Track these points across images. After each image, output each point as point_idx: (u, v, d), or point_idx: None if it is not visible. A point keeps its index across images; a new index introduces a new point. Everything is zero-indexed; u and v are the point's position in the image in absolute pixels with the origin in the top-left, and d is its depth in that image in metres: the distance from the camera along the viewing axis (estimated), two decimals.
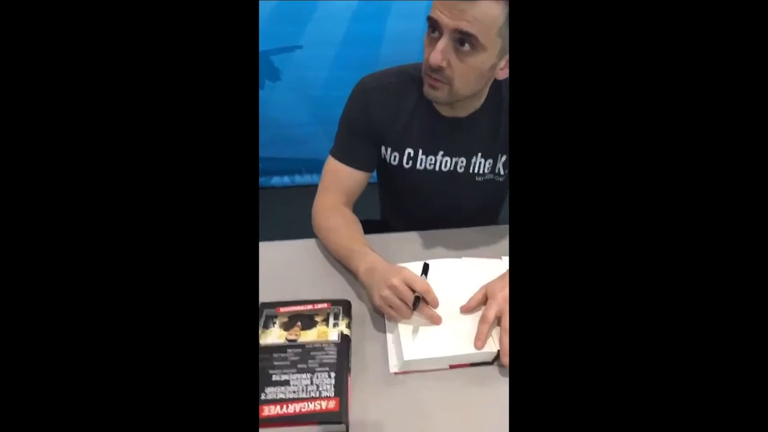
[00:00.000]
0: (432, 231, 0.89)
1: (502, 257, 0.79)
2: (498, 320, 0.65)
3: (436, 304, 0.65)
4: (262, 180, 2.07)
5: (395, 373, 0.62)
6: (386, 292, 0.65)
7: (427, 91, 0.75)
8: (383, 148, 0.87)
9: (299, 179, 2.07)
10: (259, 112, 1.88)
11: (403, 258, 0.77)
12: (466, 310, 0.69)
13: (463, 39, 0.67)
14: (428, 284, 0.65)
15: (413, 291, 0.64)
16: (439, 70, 0.70)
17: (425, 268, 0.72)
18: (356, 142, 0.85)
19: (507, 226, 0.92)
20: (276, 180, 2.07)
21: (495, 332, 0.65)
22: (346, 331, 0.65)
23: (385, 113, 0.84)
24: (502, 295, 0.67)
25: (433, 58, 0.69)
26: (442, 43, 0.68)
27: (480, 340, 0.64)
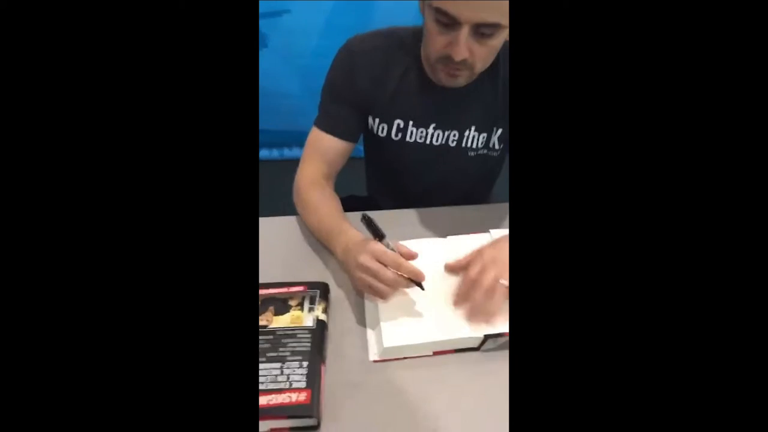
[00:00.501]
0: (421, 209, 0.84)
1: (491, 231, 0.74)
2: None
3: (412, 257, 0.61)
4: None
5: (375, 361, 0.58)
6: (359, 274, 0.60)
7: (446, 80, 0.71)
8: (370, 118, 0.82)
9: (288, 153, 2.00)
10: None
11: (396, 236, 0.72)
12: (451, 269, 0.66)
13: (485, 29, 0.61)
14: (397, 255, 0.58)
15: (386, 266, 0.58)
16: (462, 61, 0.65)
17: (369, 225, 0.61)
18: (340, 109, 0.79)
19: (500, 205, 0.88)
20: (264, 153, 2.00)
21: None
22: (323, 317, 0.60)
23: (372, 79, 0.77)
24: (491, 253, 0.62)
25: (459, 54, 0.63)
26: (464, 37, 0.62)
27: (458, 298, 0.62)
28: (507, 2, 0.58)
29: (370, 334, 0.61)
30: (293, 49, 1.77)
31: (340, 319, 0.63)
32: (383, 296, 0.59)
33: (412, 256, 0.60)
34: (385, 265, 0.58)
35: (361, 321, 0.63)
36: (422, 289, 0.59)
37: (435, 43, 0.66)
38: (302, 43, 1.75)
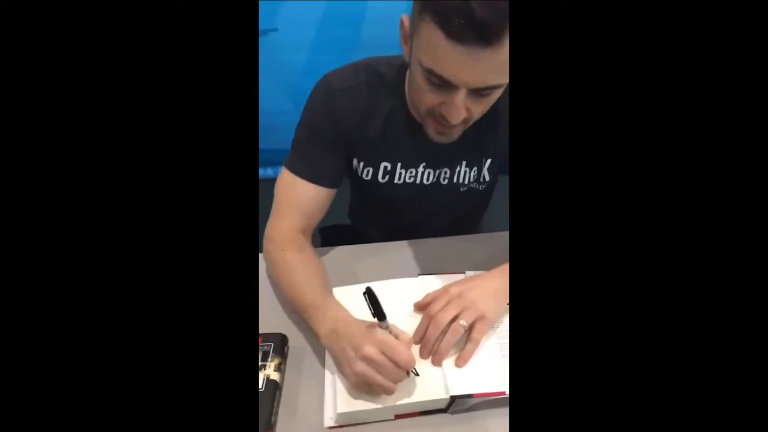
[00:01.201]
0: (409, 241, 0.79)
1: (466, 272, 0.68)
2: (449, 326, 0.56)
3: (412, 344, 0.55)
4: None
5: (330, 428, 0.52)
6: (361, 368, 0.50)
7: (436, 136, 0.63)
8: (354, 160, 0.74)
9: (280, 171, 1.96)
10: None
11: (377, 272, 0.69)
12: (419, 307, 0.62)
13: (484, 90, 0.54)
14: (404, 348, 0.50)
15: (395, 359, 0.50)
16: None
17: (372, 302, 0.53)
18: (320, 153, 0.69)
19: (490, 234, 0.82)
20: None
21: (450, 373, 0.54)
22: (275, 375, 0.55)
23: (355, 119, 0.69)
24: (456, 290, 0.58)
25: (455, 117, 0.56)
26: (460, 99, 0.54)
27: (417, 335, 0.57)
28: (506, 60, 0.50)
29: (328, 394, 0.55)
30: (283, 67, 1.74)
31: (296, 376, 0.58)
32: (388, 392, 0.51)
33: (411, 343, 0.53)
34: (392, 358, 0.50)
35: (321, 377, 0.57)
36: (417, 375, 0.54)
37: (426, 99, 0.58)
38: (292, 60, 1.72)
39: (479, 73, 0.51)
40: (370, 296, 0.52)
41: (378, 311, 0.52)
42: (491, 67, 0.50)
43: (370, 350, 0.50)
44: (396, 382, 0.51)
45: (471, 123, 0.61)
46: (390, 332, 0.52)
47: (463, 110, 0.56)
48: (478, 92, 0.54)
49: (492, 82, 0.53)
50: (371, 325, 0.53)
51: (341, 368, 0.54)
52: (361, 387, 0.52)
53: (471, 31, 0.47)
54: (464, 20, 0.47)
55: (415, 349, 0.57)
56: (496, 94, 0.57)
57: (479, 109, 0.58)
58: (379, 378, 0.50)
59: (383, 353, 0.50)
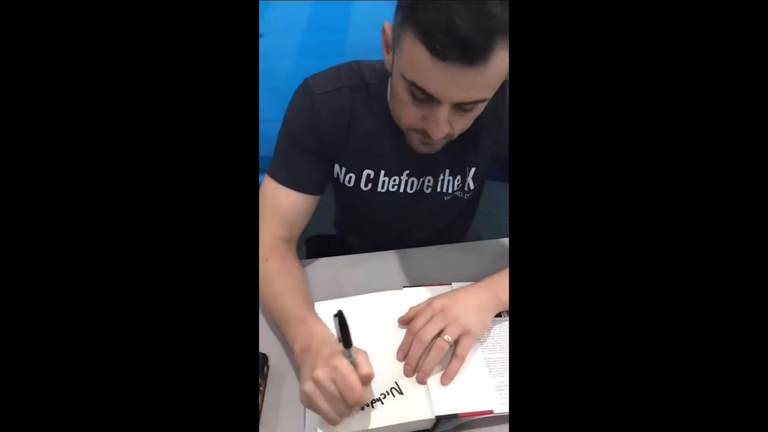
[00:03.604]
0: (395, 251, 0.77)
1: (453, 284, 0.66)
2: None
3: (369, 379, 0.50)
4: None
5: None
6: (309, 388, 0.48)
7: (420, 147, 0.62)
8: (336, 166, 0.72)
9: None
10: None
11: (362, 284, 0.68)
12: (403, 322, 0.60)
13: (467, 105, 0.53)
14: (357, 383, 0.47)
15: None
16: None
17: (342, 328, 0.48)
18: (301, 159, 0.68)
19: (477, 243, 0.81)
20: None
21: (435, 392, 0.52)
22: None
23: (336, 124, 0.67)
24: (440, 304, 0.56)
25: (438, 133, 0.55)
26: (443, 115, 0.53)
27: (401, 352, 0.56)
28: (497, 75, 0.49)
29: (309, 417, 0.53)
30: (268, 73, 1.71)
31: (277, 396, 0.56)
32: (331, 422, 0.48)
33: (368, 378, 0.49)
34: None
35: None
36: (362, 408, 0.51)
37: (408, 114, 0.56)
38: (278, 66, 1.70)
39: (464, 90, 0.50)
40: (341, 321, 0.48)
41: (345, 337, 0.48)
42: (477, 84, 0.49)
43: (321, 374, 0.47)
44: (340, 414, 0.48)
45: (454, 136, 0.60)
46: (352, 362, 0.48)
47: (446, 126, 0.55)
48: (461, 107, 0.53)
49: (477, 97, 0.52)
50: (337, 354, 0.49)
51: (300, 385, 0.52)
52: (310, 408, 0.49)
53: (455, 50, 0.46)
54: (447, 37, 0.45)
55: (385, 370, 0.54)
56: (480, 108, 0.56)
57: (462, 122, 0.57)
58: (323, 405, 0.47)
59: (334, 381, 0.47)
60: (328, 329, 0.55)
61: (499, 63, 0.47)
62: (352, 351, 0.48)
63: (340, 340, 0.48)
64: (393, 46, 0.54)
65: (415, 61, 0.49)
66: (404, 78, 0.52)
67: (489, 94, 0.52)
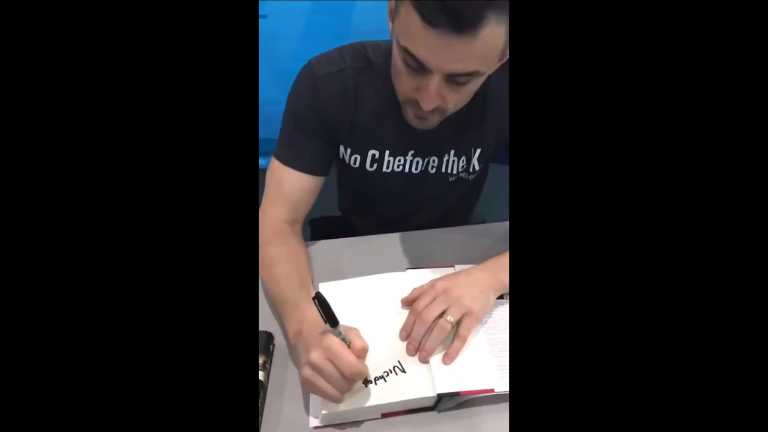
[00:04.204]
0: (399, 233, 0.77)
1: (456, 266, 0.67)
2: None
3: (365, 353, 0.51)
4: None
5: (315, 428, 0.51)
6: (307, 374, 0.49)
7: (415, 122, 0.62)
8: (341, 147, 0.72)
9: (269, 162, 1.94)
10: None
11: (365, 265, 0.68)
12: (406, 302, 0.60)
13: (460, 77, 0.53)
14: (351, 357, 0.48)
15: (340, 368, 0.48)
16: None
17: (323, 308, 0.48)
18: (305, 140, 0.69)
19: (481, 226, 0.81)
20: None
21: (437, 370, 0.53)
22: (260, 375, 0.54)
23: (340, 106, 0.67)
24: (443, 285, 0.57)
25: (427, 104, 0.55)
26: (434, 85, 0.53)
27: (404, 332, 0.56)
28: (488, 48, 0.49)
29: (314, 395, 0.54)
30: (272, 54, 1.70)
31: (282, 374, 0.57)
32: (335, 401, 0.50)
33: (364, 352, 0.50)
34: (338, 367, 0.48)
35: None
36: (365, 385, 0.52)
37: (403, 83, 0.57)
38: (281, 48, 1.69)
39: (453, 60, 0.50)
40: (320, 301, 0.48)
41: (329, 316, 0.48)
42: (466, 54, 0.49)
43: (316, 356, 0.48)
44: (343, 392, 0.49)
45: (449, 113, 0.60)
46: (344, 339, 0.49)
47: (436, 97, 0.55)
48: (453, 79, 0.53)
49: (467, 69, 0.52)
50: (327, 333, 0.49)
51: (299, 370, 0.53)
52: (312, 392, 0.51)
53: (444, 16, 0.46)
54: (438, 4, 0.46)
55: (389, 349, 0.55)
56: (475, 84, 0.56)
57: (455, 97, 0.57)
58: (324, 386, 0.48)
59: (329, 360, 0.48)
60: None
61: (491, 35, 0.48)
62: (340, 329, 0.49)
63: (326, 322, 0.49)
64: (394, 12, 0.54)
65: (409, 27, 0.50)
66: (399, 44, 0.53)
67: (481, 68, 0.52)
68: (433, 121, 0.62)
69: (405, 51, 0.52)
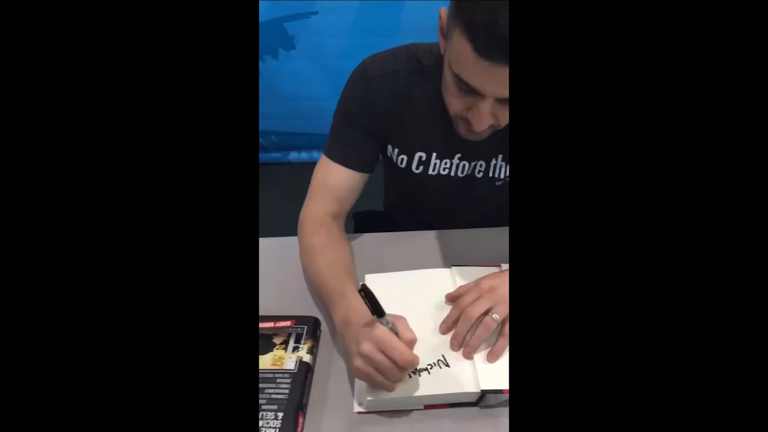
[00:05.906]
0: (442, 231, 0.78)
1: (502, 265, 0.67)
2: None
3: (413, 343, 0.52)
4: (278, 155, 1.99)
5: (359, 413, 0.53)
6: (359, 365, 0.50)
7: (466, 134, 0.63)
8: (389, 146, 0.74)
9: (317, 155, 1.97)
10: (275, 84, 1.81)
11: (408, 261, 0.69)
12: (450, 298, 0.61)
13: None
14: (402, 347, 0.48)
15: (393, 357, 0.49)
16: None
17: (369, 299, 0.49)
18: (355, 138, 0.70)
19: None
20: (293, 155, 1.99)
21: (481, 367, 0.54)
22: (307, 358, 0.56)
23: (391, 106, 0.69)
24: (489, 283, 0.57)
25: (480, 126, 0.57)
26: (486, 108, 0.55)
27: (445, 324, 0.58)
28: None
29: (359, 380, 0.55)
30: (321, 51, 1.73)
31: (328, 359, 0.58)
32: (387, 390, 0.51)
33: (413, 342, 0.51)
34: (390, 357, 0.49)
35: None
36: (410, 376, 0.53)
37: (454, 103, 0.59)
38: (330, 44, 1.72)
39: (505, 86, 0.51)
40: (366, 293, 0.49)
41: (376, 307, 0.49)
42: None
43: (368, 348, 0.49)
44: (395, 381, 0.50)
45: (500, 127, 0.61)
46: (391, 329, 0.50)
47: (488, 118, 0.56)
48: (505, 101, 0.54)
49: None
50: (377, 324, 0.50)
51: (348, 360, 0.55)
52: (365, 381, 0.52)
53: (497, 49, 0.47)
54: (491, 37, 0.47)
55: (432, 342, 0.56)
56: None
57: (506, 115, 0.57)
58: (377, 377, 0.50)
59: (382, 351, 0.49)
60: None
61: None
62: (387, 318, 0.50)
63: (373, 313, 0.50)
64: (446, 33, 0.55)
65: (461, 55, 0.51)
66: (451, 69, 0.54)
67: None
68: (486, 134, 0.63)
69: (457, 77, 0.53)
